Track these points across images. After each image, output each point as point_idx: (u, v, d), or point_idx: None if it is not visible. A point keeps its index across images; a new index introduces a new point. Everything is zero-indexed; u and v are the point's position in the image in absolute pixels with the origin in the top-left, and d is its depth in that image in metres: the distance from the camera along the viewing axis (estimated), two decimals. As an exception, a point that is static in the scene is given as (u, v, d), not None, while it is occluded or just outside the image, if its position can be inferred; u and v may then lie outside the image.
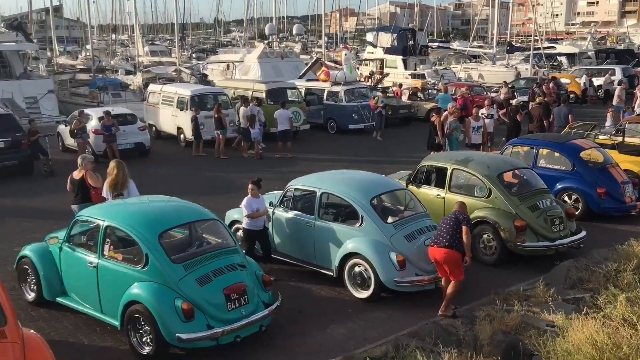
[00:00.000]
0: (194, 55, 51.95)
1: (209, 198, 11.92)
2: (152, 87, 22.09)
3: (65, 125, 18.30)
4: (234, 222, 9.83)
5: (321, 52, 39.96)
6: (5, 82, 24.47)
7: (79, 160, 9.77)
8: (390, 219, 8.62)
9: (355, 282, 8.36)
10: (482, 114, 16.28)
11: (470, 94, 24.69)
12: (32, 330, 5.79)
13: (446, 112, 15.87)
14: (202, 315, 6.67)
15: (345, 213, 8.93)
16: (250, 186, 8.79)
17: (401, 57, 35.22)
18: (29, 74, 27.79)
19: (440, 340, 6.40)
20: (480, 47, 51.35)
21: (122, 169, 9.14)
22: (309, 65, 28.21)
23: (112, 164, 9.27)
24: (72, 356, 6.71)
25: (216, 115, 17.77)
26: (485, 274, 9.03)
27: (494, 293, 7.94)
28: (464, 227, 7.45)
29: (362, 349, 6.73)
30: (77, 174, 9.59)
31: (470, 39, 52.44)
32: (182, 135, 19.61)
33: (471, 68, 38.27)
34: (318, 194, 8.94)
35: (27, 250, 8.24)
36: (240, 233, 9.55)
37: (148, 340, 6.72)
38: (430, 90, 26.76)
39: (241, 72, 30.21)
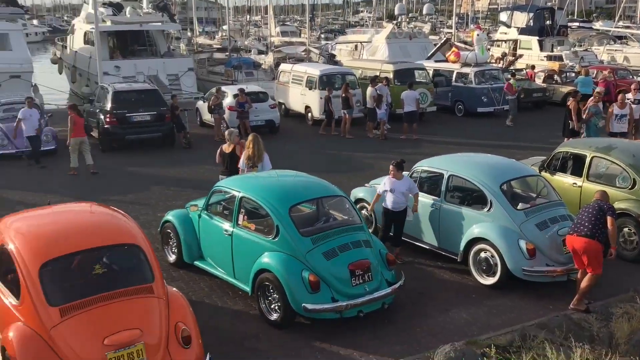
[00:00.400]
0: (322, 35, 52.76)
1: (333, 176, 12.13)
2: (283, 66, 22.77)
3: (204, 102, 19.43)
4: (358, 200, 9.96)
5: (451, 33, 38.87)
6: (151, 60, 26.35)
7: (227, 135, 10.45)
8: (521, 206, 8.31)
9: (481, 268, 8.19)
10: (628, 99, 15.05)
11: (613, 77, 22.91)
12: (174, 288, 6.29)
13: (591, 98, 14.88)
14: (327, 288, 6.87)
15: (473, 197, 8.75)
16: (390, 167, 8.69)
17: (537, 37, 33.32)
18: (172, 52, 29.69)
19: (571, 334, 6.13)
20: (627, 27, 47.21)
21: (258, 143, 9.63)
22: (437, 46, 27.57)
23: (249, 137, 9.80)
24: (208, 316, 7.19)
25: (343, 95, 18.00)
26: (624, 270, 8.46)
27: (634, 290, 7.43)
28: (609, 218, 7.00)
29: (486, 336, 6.61)
30: (226, 147, 10.24)
31: (616, 19, 48.29)
32: (309, 114, 20.10)
33: (615, 50, 35.35)
34: (445, 176, 8.82)
35: (170, 216, 8.92)
36: (365, 212, 9.68)
37: (276, 307, 7.05)
38: (567, 73, 25.18)
39: (369, 52, 30.24)
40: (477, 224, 8.25)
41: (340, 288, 6.89)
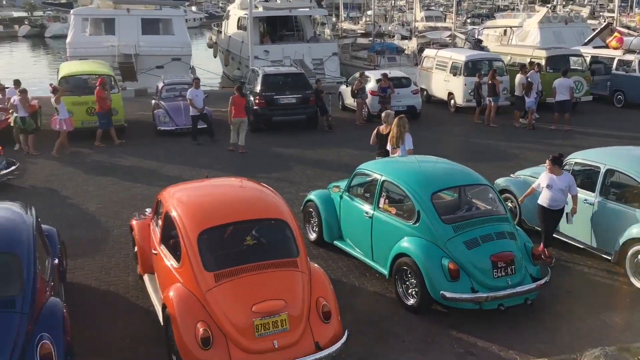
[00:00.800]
0: (468, 20, 51.10)
1: (475, 164, 11.69)
2: (427, 51, 22.44)
3: (347, 86, 19.71)
4: (502, 190, 9.58)
5: (613, 17, 35.81)
6: (297, 45, 27.19)
7: (383, 116, 10.68)
8: (691, 207, 7.53)
9: (638, 272, 7.55)
10: None
11: None
12: (316, 265, 6.50)
13: None
14: (467, 278, 6.74)
15: (633, 194, 8.06)
16: (547, 162, 8.12)
17: None
18: (317, 37, 30.39)
19: None
20: None
21: (399, 125, 9.84)
22: (597, 31, 25.58)
23: (395, 120, 9.96)
24: (345, 295, 7.33)
25: (490, 82, 17.35)
26: None
27: None
28: None
29: (642, 344, 6.13)
30: (383, 129, 10.46)
31: None
32: (452, 101, 19.65)
33: None
34: (602, 171, 8.23)
35: (313, 196, 9.20)
36: (509, 203, 9.32)
37: (413, 292, 7.05)
38: None
39: (518, 37, 28.81)
40: (637, 224, 7.60)
41: (481, 279, 6.72)
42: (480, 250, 6.83)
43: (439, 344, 6.44)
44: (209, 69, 29.38)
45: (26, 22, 64.76)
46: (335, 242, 8.69)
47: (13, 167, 12.10)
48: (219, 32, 35.27)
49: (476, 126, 17.65)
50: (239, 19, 30.30)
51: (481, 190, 7.89)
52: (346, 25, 44.80)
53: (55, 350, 5.10)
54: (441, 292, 6.66)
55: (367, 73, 19.18)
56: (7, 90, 16.48)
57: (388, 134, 10.20)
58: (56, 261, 6.76)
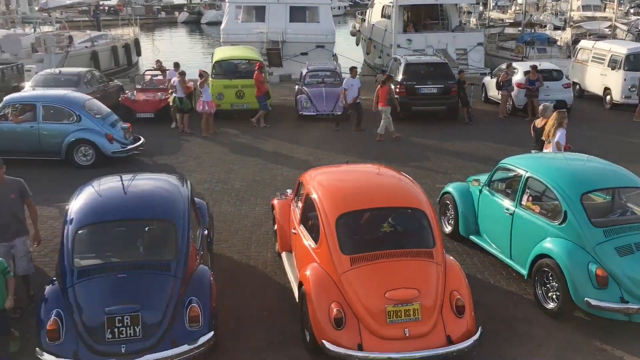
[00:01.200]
0: (631, 10, 46.84)
1: (632, 166, 10.60)
2: (583, 43, 20.97)
3: (491, 77, 18.98)
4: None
5: None
6: (441, 34, 26.62)
7: (540, 109, 10.49)
8: None
9: None
10: None
11: None
12: (452, 258, 6.38)
13: None
14: (616, 287, 6.28)
15: None
16: None
17: None
18: (463, 27, 29.53)
19: None
20: None
21: (554, 119, 9.56)
22: None
23: (554, 114, 9.72)
24: (480, 291, 7.11)
25: (655, 77, 15.86)
26: None
27: None
28: None
29: None
30: (539, 122, 10.26)
31: None
32: (608, 97, 18.24)
33: None
34: None
35: (450, 188, 9.01)
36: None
37: (554, 296, 6.70)
38: None
39: (692, 28, 25.99)
40: None
41: (633, 289, 6.22)
42: (634, 258, 6.34)
43: (580, 352, 6.07)
44: (350, 56, 29.69)
45: (185, 9, 69.58)
46: (471, 236, 8.48)
47: (139, 143, 13.12)
48: (363, 20, 35.46)
49: (635, 125, 16.27)
50: (383, 7, 30.25)
51: (639, 194, 7.28)
52: (494, 14, 43.07)
53: (202, 314, 5.52)
54: (586, 298, 6.27)
55: (515, 64, 18.35)
56: (167, 72, 17.92)
57: (543, 127, 9.87)
58: (205, 232, 7.27)
